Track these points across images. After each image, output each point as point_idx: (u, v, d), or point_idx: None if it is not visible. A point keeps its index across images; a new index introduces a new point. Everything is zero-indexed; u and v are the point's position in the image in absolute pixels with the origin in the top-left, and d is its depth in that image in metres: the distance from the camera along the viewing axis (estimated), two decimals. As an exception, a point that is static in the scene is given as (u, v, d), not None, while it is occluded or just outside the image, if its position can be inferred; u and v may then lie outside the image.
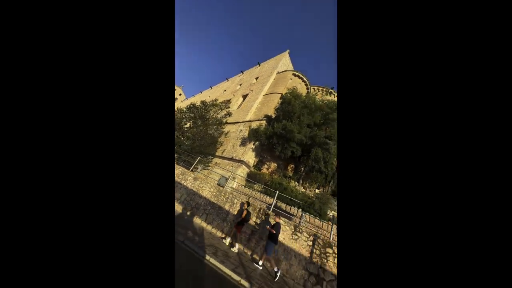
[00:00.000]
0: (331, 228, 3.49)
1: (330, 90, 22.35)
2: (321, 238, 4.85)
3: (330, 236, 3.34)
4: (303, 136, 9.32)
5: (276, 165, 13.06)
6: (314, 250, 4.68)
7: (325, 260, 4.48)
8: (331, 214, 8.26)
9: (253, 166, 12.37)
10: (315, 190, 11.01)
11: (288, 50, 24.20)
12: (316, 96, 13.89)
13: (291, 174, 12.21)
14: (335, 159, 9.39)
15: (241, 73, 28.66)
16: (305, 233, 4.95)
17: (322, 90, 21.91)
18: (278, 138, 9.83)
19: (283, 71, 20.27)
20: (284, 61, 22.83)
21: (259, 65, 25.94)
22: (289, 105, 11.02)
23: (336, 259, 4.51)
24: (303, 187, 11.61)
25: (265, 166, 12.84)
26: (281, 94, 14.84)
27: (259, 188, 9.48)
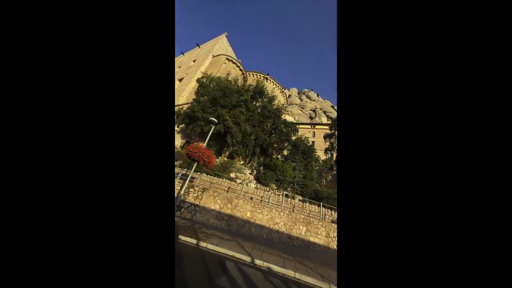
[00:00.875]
0: (199, 176, 5.33)
1: (266, 76, 24.68)
2: (191, 184, 6.89)
3: (197, 182, 5.15)
4: (209, 115, 11.00)
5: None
6: (182, 192, 6.66)
7: (187, 196, 6.54)
8: (233, 175, 10.87)
9: (180, 147, 13.44)
10: (226, 160, 13.35)
11: (225, 33, 24.12)
12: (238, 81, 15.51)
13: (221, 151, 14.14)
14: (239, 132, 11.71)
15: (182, 55, 26.70)
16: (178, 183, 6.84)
17: (258, 75, 23.91)
18: (188, 118, 11.18)
19: (217, 55, 20.59)
20: (220, 44, 22.88)
21: (199, 47, 24.89)
22: (204, 88, 12.20)
23: (195, 194, 6.65)
24: (230, 161, 13.86)
25: (194, 146, 14.20)
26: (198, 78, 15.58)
27: (177, 164, 10.91)
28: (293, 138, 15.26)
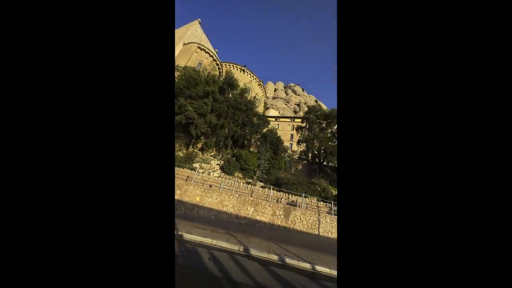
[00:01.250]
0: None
1: (243, 68, 24.44)
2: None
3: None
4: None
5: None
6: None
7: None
8: (196, 165, 11.14)
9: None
10: (191, 151, 13.48)
11: (198, 19, 22.81)
12: (207, 71, 15.24)
13: (193, 144, 14.12)
14: (204, 123, 11.81)
15: (153, 41, 24.68)
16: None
17: (234, 66, 23.56)
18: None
19: (188, 43, 19.60)
20: (193, 31, 21.68)
21: (171, 33, 23.25)
22: (167, 77, 11.81)
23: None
24: (195, 151, 13.95)
25: (161, 138, 13.91)
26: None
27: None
28: (264, 130, 15.82)
